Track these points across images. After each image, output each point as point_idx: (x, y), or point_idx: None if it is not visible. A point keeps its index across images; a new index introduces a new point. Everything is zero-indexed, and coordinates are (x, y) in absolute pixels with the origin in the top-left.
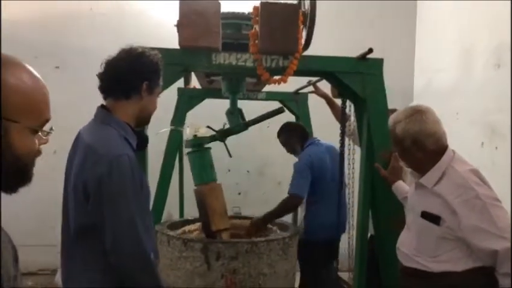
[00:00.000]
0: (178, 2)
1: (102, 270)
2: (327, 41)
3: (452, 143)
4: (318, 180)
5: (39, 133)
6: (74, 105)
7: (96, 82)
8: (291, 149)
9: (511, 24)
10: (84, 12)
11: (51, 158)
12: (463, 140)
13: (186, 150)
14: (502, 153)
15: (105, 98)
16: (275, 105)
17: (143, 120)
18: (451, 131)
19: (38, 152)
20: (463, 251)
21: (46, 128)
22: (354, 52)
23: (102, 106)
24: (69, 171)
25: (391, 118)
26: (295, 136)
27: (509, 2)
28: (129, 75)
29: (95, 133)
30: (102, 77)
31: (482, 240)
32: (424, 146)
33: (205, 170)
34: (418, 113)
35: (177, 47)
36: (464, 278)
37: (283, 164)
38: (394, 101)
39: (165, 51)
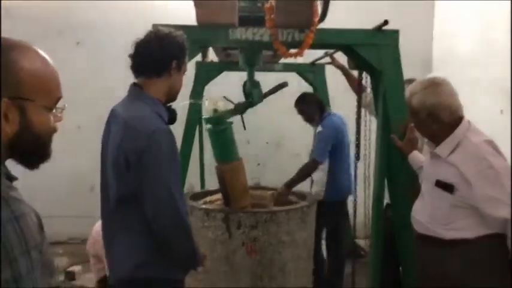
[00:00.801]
0: None
1: (141, 235)
2: (344, 12)
3: (471, 110)
4: (339, 149)
5: (54, 111)
6: (94, 80)
7: (114, 57)
8: (308, 118)
9: (511, 24)
10: None
11: (76, 133)
12: (482, 108)
13: (206, 126)
14: None
15: (136, 77)
16: (292, 76)
17: (172, 96)
18: (471, 99)
19: (54, 129)
20: (474, 219)
21: (59, 105)
22: (373, 22)
23: (134, 84)
24: (106, 146)
25: (408, 89)
26: (313, 106)
27: None
28: (160, 55)
29: (130, 109)
30: (133, 57)
31: (494, 209)
32: (439, 119)
33: (226, 148)
34: (434, 85)
35: (193, 23)
36: (475, 245)
37: (300, 137)
38: (414, 68)
39: (184, 29)
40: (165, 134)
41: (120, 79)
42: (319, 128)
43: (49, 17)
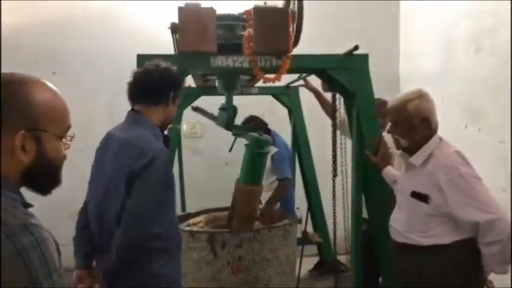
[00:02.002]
0: (168, 5)
1: None
2: (315, 35)
3: (439, 125)
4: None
5: (64, 139)
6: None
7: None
8: None
9: (511, 23)
10: (77, 15)
11: None
12: (449, 123)
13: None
14: (484, 134)
15: (134, 104)
16: (267, 98)
17: (166, 123)
18: (438, 115)
19: (64, 157)
20: (449, 225)
21: (69, 134)
22: (342, 43)
23: (132, 110)
24: (100, 167)
25: (401, 97)
26: (262, 128)
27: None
28: (160, 86)
29: (130, 131)
30: (133, 85)
31: (466, 213)
32: (430, 125)
33: (260, 171)
34: (427, 95)
35: (167, 48)
36: (450, 250)
37: None
38: (382, 88)
39: (168, 58)
40: (165, 155)
41: (97, 108)
42: (274, 149)
43: (25, 46)
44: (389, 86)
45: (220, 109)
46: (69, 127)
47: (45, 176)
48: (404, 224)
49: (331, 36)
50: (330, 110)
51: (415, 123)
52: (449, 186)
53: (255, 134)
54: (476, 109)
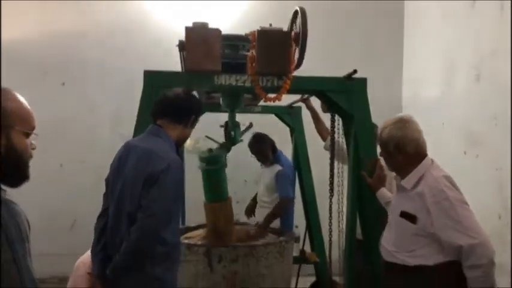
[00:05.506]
0: (177, 22)
1: None
2: (318, 58)
3: (439, 151)
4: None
5: (30, 138)
6: (79, 120)
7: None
8: (263, 158)
9: (511, 27)
10: (87, 30)
11: (58, 171)
12: (448, 149)
13: (200, 165)
14: (481, 161)
15: (156, 119)
16: (270, 117)
17: (180, 142)
18: (438, 140)
19: (30, 155)
20: (435, 247)
21: (33, 136)
22: (345, 67)
23: (155, 124)
24: (118, 173)
25: (381, 124)
26: (268, 146)
27: (487, 17)
28: (185, 107)
29: (150, 142)
30: (161, 102)
31: (450, 236)
32: (404, 150)
33: (220, 187)
34: (402, 121)
35: (173, 62)
36: (435, 271)
37: None
38: (385, 113)
39: (174, 74)
40: (181, 166)
41: (101, 120)
42: (278, 167)
43: (35, 57)
44: (391, 110)
45: (225, 126)
46: (33, 127)
47: (14, 169)
48: (393, 244)
49: (335, 57)
50: (324, 131)
51: (390, 150)
52: (435, 209)
53: (205, 153)
54: (474, 135)
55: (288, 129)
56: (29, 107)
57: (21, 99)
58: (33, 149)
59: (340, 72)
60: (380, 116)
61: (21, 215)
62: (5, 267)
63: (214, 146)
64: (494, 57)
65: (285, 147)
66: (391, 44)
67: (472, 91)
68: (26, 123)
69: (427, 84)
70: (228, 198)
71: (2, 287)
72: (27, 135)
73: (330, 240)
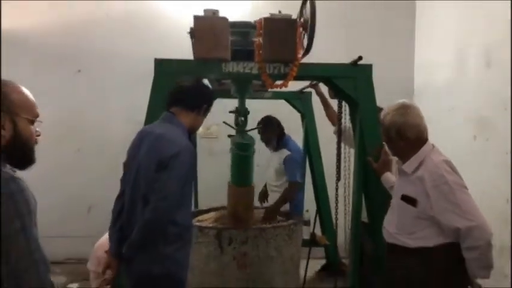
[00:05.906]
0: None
1: None
2: (329, 43)
3: (449, 136)
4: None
5: (35, 124)
6: (95, 106)
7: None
8: (267, 140)
9: (511, 23)
10: (101, 18)
11: (75, 155)
12: (457, 133)
13: (233, 150)
14: (492, 145)
15: (170, 107)
16: (280, 103)
17: (192, 130)
18: (447, 126)
19: (36, 141)
20: (435, 229)
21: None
22: (358, 52)
23: (168, 111)
24: (135, 158)
25: (383, 111)
26: (275, 129)
27: (499, 3)
28: (199, 95)
29: (164, 128)
30: (176, 90)
31: (448, 219)
32: (406, 136)
33: (247, 173)
34: (403, 108)
35: (187, 51)
36: (435, 252)
37: None
38: (396, 97)
39: (183, 62)
40: (192, 151)
41: (116, 107)
42: (286, 152)
43: (52, 45)
44: (403, 95)
45: (230, 112)
46: (37, 115)
47: (21, 153)
48: (395, 226)
49: (347, 43)
50: (333, 116)
51: (392, 135)
52: (434, 192)
53: (238, 137)
54: (484, 120)
55: (298, 115)
56: (32, 97)
57: (25, 90)
58: (38, 135)
59: (353, 57)
60: (391, 100)
61: (28, 190)
62: (14, 236)
63: (232, 132)
64: (505, 43)
65: (296, 133)
66: (403, 29)
67: (482, 76)
68: (30, 112)
69: (439, 70)
70: (252, 186)
71: (11, 255)
72: (32, 122)
73: (336, 222)
